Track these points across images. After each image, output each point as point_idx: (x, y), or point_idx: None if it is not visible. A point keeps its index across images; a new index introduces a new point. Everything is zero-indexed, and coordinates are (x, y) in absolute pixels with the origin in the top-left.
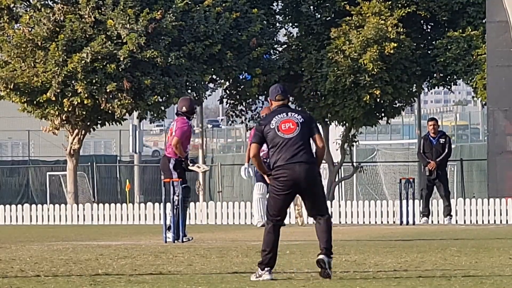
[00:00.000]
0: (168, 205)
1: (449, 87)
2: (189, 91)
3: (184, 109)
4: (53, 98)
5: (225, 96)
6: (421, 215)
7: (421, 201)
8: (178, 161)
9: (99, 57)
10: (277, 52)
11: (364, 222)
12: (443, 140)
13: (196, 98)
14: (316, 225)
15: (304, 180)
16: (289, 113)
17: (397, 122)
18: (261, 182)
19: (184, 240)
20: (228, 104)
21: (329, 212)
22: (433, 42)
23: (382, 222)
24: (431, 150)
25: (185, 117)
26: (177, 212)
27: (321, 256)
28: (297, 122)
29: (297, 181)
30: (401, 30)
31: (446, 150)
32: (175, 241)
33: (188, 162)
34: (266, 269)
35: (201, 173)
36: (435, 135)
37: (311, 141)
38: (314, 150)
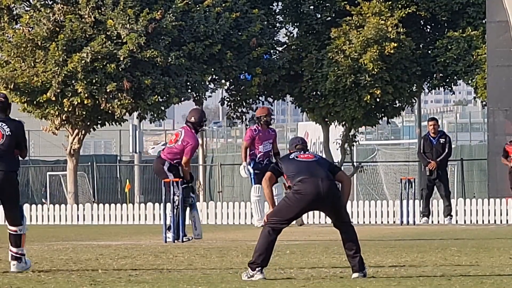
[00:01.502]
0: (168, 205)
1: (449, 88)
2: (189, 91)
3: (193, 119)
4: (53, 98)
5: (226, 98)
6: (421, 215)
7: (422, 201)
8: (172, 165)
9: (99, 57)
10: (277, 52)
11: (364, 222)
12: (443, 140)
13: (197, 98)
14: (345, 239)
15: (327, 194)
16: (306, 152)
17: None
18: (259, 184)
19: (184, 240)
20: (229, 106)
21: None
22: (433, 42)
23: (382, 222)
24: (431, 150)
25: (193, 129)
26: (177, 212)
27: (356, 275)
28: (315, 155)
29: (319, 195)
30: (401, 30)
31: (447, 150)
32: (175, 241)
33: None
34: (257, 268)
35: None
36: (435, 135)
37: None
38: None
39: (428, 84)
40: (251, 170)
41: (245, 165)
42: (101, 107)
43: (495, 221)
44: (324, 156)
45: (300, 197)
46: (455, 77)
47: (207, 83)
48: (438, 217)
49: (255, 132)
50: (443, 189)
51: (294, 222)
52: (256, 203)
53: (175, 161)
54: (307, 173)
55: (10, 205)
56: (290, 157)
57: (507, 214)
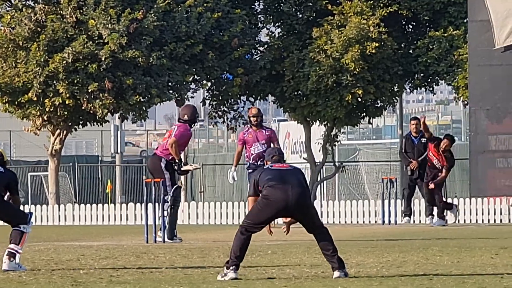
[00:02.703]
0: (153, 204)
1: (431, 88)
2: (170, 91)
3: (186, 117)
4: (35, 98)
5: (207, 97)
6: (403, 214)
7: (403, 200)
8: (169, 162)
9: (81, 57)
10: (259, 52)
11: (346, 222)
12: (425, 139)
13: (178, 98)
14: (320, 241)
15: (297, 202)
16: (284, 163)
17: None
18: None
19: (174, 240)
20: (210, 106)
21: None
22: (415, 42)
23: (364, 222)
24: (413, 149)
25: (187, 125)
26: (171, 211)
27: (338, 274)
28: (290, 165)
29: (289, 202)
30: (383, 29)
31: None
32: (166, 240)
33: (182, 164)
34: (231, 268)
35: (193, 170)
36: (417, 134)
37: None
38: None
39: (409, 84)
40: (236, 178)
41: (232, 171)
42: (83, 107)
43: (476, 220)
44: (306, 156)
45: (268, 202)
46: (436, 77)
47: (189, 84)
48: (420, 217)
49: (244, 134)
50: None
51: (281, 222)
52: None
53: (170, 157)
54: (279, 180)
55: (12, 219)
56: (265, 168)
57: (488, 214)
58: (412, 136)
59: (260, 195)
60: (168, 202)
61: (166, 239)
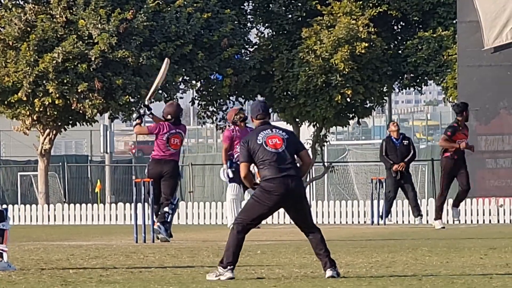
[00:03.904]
0: (139, 205)
1: (419, 88)
2: (160, 91)
3: (169, 117)
4: (24, 98)
5: (196, 98)
6: (388, 215)
7: (385, 202)
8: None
9: (71, 57)
10: (248, 52)
11: (335, 222)
12: (407, 141)
13: (168, 99)
14: (313, 241)
15: (295, 194)
16: (273, 130)
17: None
18: (235, 183)
19: (167, 235)
20: (199, 106)
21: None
22: (404, 42)
23: (353, 222)
24: (396, 152)
25: (173, 124)
26: (173, 211)
27: (330, 273)
28: (282, 138)
29: (288, 195)
30: (372, 30)
31: (412, 151)
32: (168, 238)
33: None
34: (228, 267)
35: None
36: (398, 137)
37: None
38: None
39: (398, 84)
40: (231, 174)
41: (225, 168)
42: (72, 107)
43: (465, 221)
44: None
45: (269, 195)
46: (425, 77)
47: (178, 84)
48: (409, 217)
49: (232, 132)
50: (411, 190)
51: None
52: (231, 202)
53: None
54: (276, 169)
55: None
56: (259, 141)
57: (477, 214)
58: (393, 139)
59: (256, 188)
60: (174, 204)
61: (168, 235)
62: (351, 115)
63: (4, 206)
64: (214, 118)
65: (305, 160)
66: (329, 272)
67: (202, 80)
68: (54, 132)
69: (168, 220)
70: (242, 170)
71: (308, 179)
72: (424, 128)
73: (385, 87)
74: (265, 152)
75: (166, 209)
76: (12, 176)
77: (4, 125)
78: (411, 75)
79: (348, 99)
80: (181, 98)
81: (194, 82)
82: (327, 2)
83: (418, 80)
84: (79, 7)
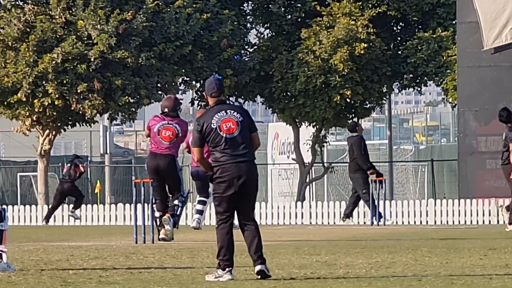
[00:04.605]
0: (139, 205)
1: (419, 88)
2: (159, 92)
3: (166, 110)
4: (24, 99)
5: (196, 98)
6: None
7: (366, 202)
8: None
9: (70, 57)
10: (248, 53)
11: (335, 223)
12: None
13: None
14: (246, 233)
15: (248, 178)
16: (228, 111)
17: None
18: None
19: (173, 227)
20: (199, 106)
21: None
22: (404, 43)
23: (353, 223)
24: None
25: (170, 117)
26: (181, 209)
27: (260, 267)
28: (237, 121)
29: (241, 179)
30: (372, 30)
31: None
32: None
33: None
34: (227, 269)
35: None
36: None
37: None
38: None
39: (398, 85)
40: None
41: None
42: (72, 108)
43: (465, 221)
44: (294, 156)
45: (224, 183)
46: (425, 78)
47: (178, 84)
48: (409, 218)
49: None
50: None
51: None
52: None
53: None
54: (230, 152)
55: None
56: (213, 125)
57: (477, 215)
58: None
59: (213, 183)
60: (184, 197)
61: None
62: (350, 116)
63: (3, 206)
64: None
65: (254, 142)
66: (258, 267)
67: (201, 81)
68: (54, 132)
69: (178, 213)
70: (195, 154)
71: (307, 180)
72: (424, 129)
73: (384, 88)
74: (218, 137)
75: (176, 201)
76: (12, 177)
77: (4, 126)
78: (411, 75)
79: (348, 100)
80: (181, 99)
81: (193, 82)
82: (326, 2)
83: (417, 81)
84: (78, 7)
